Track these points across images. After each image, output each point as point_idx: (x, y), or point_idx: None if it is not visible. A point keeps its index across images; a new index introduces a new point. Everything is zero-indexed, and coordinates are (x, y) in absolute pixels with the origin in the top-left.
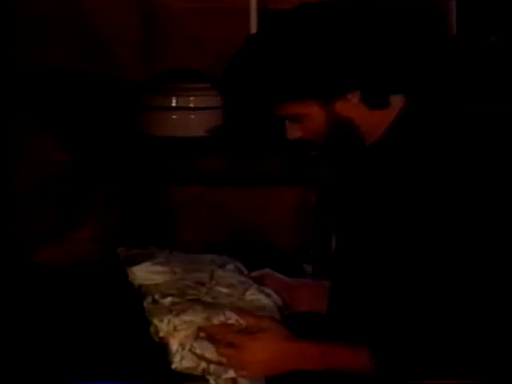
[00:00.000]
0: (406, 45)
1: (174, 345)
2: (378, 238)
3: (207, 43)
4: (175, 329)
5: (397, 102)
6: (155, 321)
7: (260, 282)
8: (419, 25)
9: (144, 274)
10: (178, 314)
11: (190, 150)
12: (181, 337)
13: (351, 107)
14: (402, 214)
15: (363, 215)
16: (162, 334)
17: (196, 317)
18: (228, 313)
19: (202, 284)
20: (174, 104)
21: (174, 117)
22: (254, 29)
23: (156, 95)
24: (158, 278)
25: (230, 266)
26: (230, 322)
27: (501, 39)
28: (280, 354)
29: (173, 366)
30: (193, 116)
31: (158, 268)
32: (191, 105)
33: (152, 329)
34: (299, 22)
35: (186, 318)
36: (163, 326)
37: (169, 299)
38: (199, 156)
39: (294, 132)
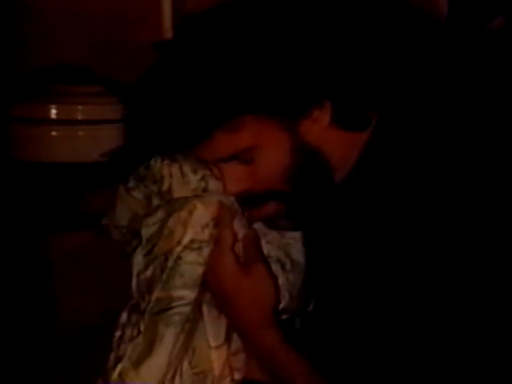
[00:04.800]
0: (388, 33)
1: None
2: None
3: (100, 30)
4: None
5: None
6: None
7: None
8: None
9: None
10: None
11: (77, 182)
12: None
13: (320, 130)
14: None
15: (344, 270)
16: (191, 186)
17: None
18: None
19: None
20: (53, 115)
21: (54, 134)
22: (167, 12)
23: (26, 103)
24: None
25: None
26: None
27: (508, 21)
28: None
29: None
30: (81, 133)
31: None
32: (78, 117)
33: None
34: (242, 10)
35: None
36: (195, 178)
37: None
38: (90, 190)
39: (239, 181)
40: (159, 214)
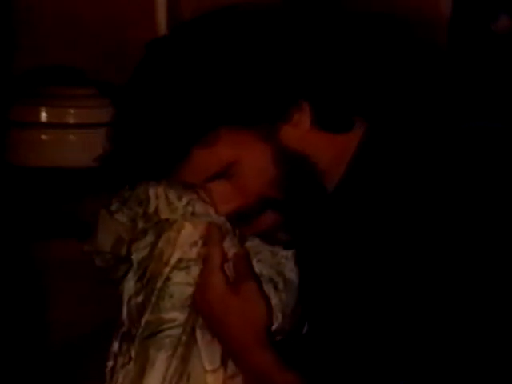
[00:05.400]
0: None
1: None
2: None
3: (96, 31)
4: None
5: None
6: (171, 195)
7: None
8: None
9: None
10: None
11: (69, 187)
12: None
13: (301, 134)
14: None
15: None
16: (179, 212)
17: None
18: None
19: None
20: (43, 119)
21: (44, 137)
22: (161, 14)
23: (15, 105)
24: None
25: None
26: None
27: None
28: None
29: None
30: (72, 136)
31: None
32: (70, 120)
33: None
34: (216, 20)
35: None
36: (181, 204)
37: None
38: (83, 196)
39: (229, 199)
40: (149, 237)
